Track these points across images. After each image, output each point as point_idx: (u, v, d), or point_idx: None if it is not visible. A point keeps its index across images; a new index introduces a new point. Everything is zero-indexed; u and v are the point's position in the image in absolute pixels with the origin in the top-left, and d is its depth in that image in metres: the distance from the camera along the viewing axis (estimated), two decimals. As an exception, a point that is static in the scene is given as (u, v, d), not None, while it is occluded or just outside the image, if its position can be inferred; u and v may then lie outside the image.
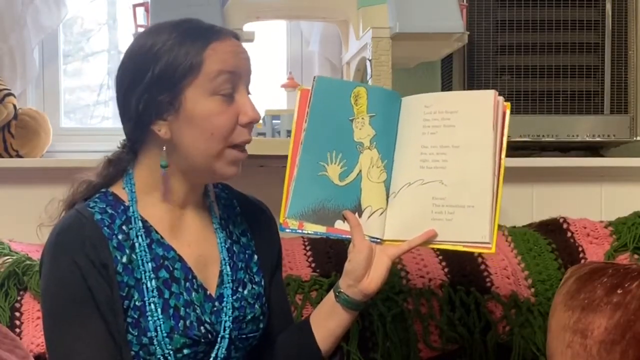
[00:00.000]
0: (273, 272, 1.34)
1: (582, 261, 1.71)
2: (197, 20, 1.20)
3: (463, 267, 1.66)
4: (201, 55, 1.14)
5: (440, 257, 1.67)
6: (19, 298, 1.51)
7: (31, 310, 1.49)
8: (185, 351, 1.16)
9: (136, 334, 1.14)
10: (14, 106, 1.92)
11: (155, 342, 1.14)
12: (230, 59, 1.16)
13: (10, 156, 1.92)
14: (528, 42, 1.98)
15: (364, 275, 1.22)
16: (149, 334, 1.14)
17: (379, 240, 1.24)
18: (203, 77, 1.14)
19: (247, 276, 1.27)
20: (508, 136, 1.22)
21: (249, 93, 1.20)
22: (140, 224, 1.19)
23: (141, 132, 1.18)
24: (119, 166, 1.23)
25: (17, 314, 1.49)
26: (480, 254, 1.68)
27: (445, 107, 1.24)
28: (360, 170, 1.26)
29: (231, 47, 1.17)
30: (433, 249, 1.67)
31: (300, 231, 1.24)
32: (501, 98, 1.23)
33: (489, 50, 1.97)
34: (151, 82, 1.14)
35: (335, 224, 1.24)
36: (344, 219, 1.24)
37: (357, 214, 1.24)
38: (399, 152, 1.27)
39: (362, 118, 1.27)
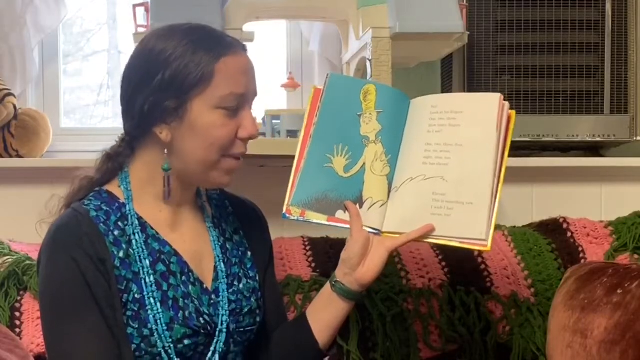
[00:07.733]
0: (265, 270, 1.36)
1: (582, 261, 1.70)
2: (210, 28, 1.22)
3: (463, 267, 1.66)
4: (212, 68, 1.15)
5: (441, 257, 1.67)
6: (19, 298, 1.51)
7: (31, 310, 1.49)
8: (186, 342, 1.18)
9: (136, 326, 1.16)
10: (14, 106, 1.92)
11: (155, 333, 1.15)
12: (241, 79, 1.18)
13: (10, 156, 1.92)
14: (528, 42, 1.97)
15: (360, 263, 1.23)
16: (149, 326, 1.15)
17: (377, 232, 1.26)
18: (211, 91, 1.15)
19: (241, 271, 1.29)
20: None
21: (251, 108, 1.22)
22: (137, 222, 1.20)
23: (142, 131, 1.19)
24: (116, 161, 1.24)
25: (17, 314, 1.49)
26: (480, 254, 1.68)
27: (451, 107, 1.27)
28: (364, 163, 1.28)
29: (242, 63, 1.19)
30: (433, 247, 1.68)
31: (302, 219, 1.27)
32: (507, 104, 1.25)
33: (489, 50, 1.97)
34: (160, 86, 1.15)
35: (336, 213, 1.27)
36: (345, 209, 1.26)
37: (358, 205, 1.26)
38: (404, 148, 1.29)
39: (370, 113, 1.30)
